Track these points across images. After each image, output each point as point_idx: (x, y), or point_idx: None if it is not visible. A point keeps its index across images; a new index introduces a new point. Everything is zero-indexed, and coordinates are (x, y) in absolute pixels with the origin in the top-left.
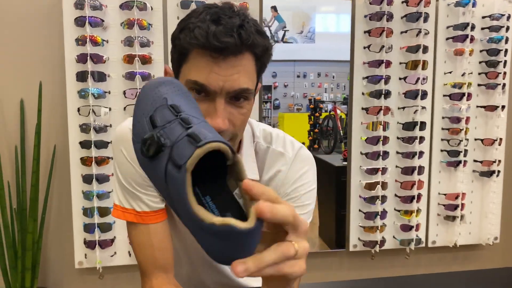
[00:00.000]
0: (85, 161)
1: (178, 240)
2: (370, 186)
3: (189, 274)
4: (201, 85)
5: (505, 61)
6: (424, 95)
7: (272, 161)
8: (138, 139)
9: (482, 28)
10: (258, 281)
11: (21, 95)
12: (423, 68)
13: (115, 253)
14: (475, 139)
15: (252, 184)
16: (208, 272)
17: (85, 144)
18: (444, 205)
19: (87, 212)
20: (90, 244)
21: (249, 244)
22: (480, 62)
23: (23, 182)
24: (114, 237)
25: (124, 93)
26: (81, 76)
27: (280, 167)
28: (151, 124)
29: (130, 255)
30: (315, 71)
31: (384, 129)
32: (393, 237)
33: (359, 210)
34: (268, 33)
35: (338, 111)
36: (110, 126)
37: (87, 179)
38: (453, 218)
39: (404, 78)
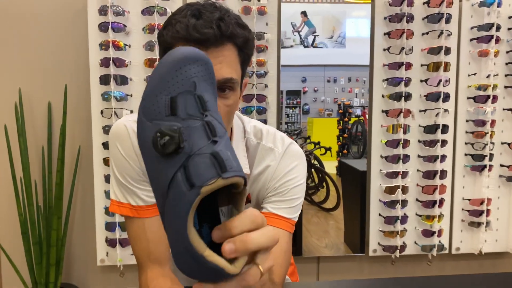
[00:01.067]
0: (107, 162)
1: None
2: (390, 190)
3: None
4: None
5: None
6: (446, 97)
7: (262, 157)
8: (150, 118)
9: (509, 29)
10: None
11: (49, 97)
12: (446, 70)
13: None
14: (502, 143)
15: (222, 236)
16: None
17: (107, 145)
18: (468, 210)
19: (109, 211)
20: (111, 242)
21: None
22: (506, 64)
23: (49, 181)
24: None
25: None
26: (104, 80)
27: (269, 162)
28: (170, 108)
29: None
30: (345, 76)
31: (404, 132)
32: (414, 242)
33: (379, 215)
34: (298, 39)
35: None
36: None
37: (109, 179)
38: (478, 224)
39: (426, 80)
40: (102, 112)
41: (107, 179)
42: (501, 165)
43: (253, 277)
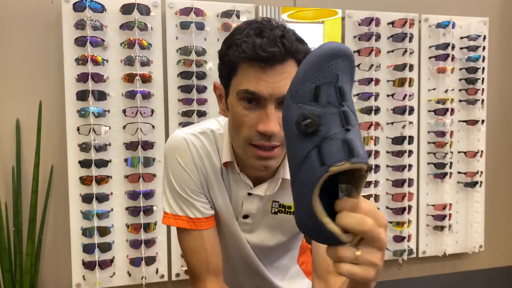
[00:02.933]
0: (85, 180)
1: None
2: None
3: (231, 280)
4: (252, 92)
5: (483, 78)
6: (411, 110)
7: None
8: (295, 101)
9: (461, 48)
10: (296, 282)
11: (17, 114)
12: (410, 85)
13: (114, 273)
14: (459, 152)
15: (342, 207)
16: (250, 277)
17: (85, 163)
18: (432, 215)
19: (87, 232)
20: (89, 265)
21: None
22: (460, 79)
23: (19, 203)
24: (113, 257)
25: (124, 111)
26: (81, 95)
27: None
28: (314, 95)
29: (130, 275)
30: None
31: (375, 144)
32: (386, 248)
33: None
34: None
35: None
36: (110, 144)
37: (87, 198)
38: (441, 228)
39: (392, 95)
40: (78, 129)
41: (84, 198)
42: (459, 172)
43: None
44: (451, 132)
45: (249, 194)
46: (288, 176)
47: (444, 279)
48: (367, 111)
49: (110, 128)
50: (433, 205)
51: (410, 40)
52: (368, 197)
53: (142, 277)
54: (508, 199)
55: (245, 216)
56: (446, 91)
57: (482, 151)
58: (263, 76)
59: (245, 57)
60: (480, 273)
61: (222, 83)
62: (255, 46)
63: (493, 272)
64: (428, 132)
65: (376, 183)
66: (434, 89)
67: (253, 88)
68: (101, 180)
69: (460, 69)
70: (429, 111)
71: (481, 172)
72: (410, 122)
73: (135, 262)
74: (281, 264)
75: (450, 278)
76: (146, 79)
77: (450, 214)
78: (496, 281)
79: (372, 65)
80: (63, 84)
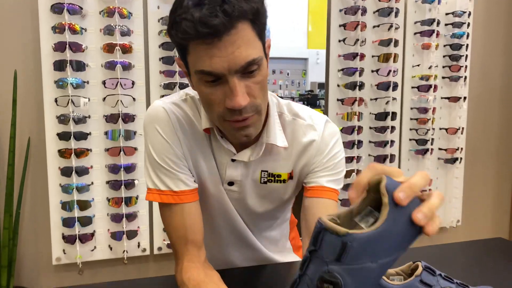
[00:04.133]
0: (64, 153)
1: (206, 223)
2: (346, 174)
3: (220, 254)
4: (208, 72)
5: (466, 55)
6: (395, 86)
7: (303, 133)
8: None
9: (446, 24)
10: (288, 256)
11: None
12: (394, 61)
13: (95, 247)
14: (440, 128)
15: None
16: (239, 250)
17: (63, 136)
18: None
19: (66, 206)
20: (69, 239)
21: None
22: (444, 56)
23: None
24: (94, 231)
25: (104, 83)
26: (59, 65)
27: (312, 138)
28: None
29: (111, 249)
30: (269, 68)
31: (358, 119)
32: None
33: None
34: None
35: None
36: (89, 117)
37: (66, 171)
38: None
39: (377, 71)
40: (56, 100)
41: (63, 172)
42: (440, 149)
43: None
44: (434, 109)
45: (233, 160)
46: (272, 140)
47: (423, 251)
48: (351, 86)
49: (89, 100)
50: None
51: (396, 15)
52: (350, 172)
53: (124, 251)
54: (486, 176)
55: (230, 183)
56: (430, 68)
57: (463, 128)
58: (215, 51)
59: (189, 38)
60: (458, 245)
61: (180, 59)
62: (195, 22)
63: (471, 244)
64: (411, 108)
65: (359, 159)
66: (418, 65)
67: (208, 67)
68: (80, 153)
69: (445, 45)
70: (412, 87)
71: (461, 148)
72: (394, 98)
73: (116, 236)
74: (272, 236)
75: (429, 250)
76: (126, 49)
77: (429, 190)
78: (473, 252)
79: (357, 40)
80: (39, 54)
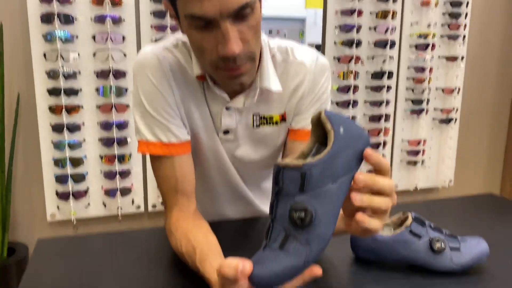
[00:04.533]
0: (54, 110)
1: (200, 176)
2: None
3: (213, 208)
4: (199, 17)
5: (466, 13)
6: (392, 44)
7: (295, 72)
8: None
9: None
10: None
11: None
12: (392, 17)
13: (89, 204)
14: (436, 88)
15: (370, 154)
16: (232, 203)
17: (53, 91)
18: (407, 151)
19: (59, 163)
20: (63, 196)
21: None
22: (443, 14)
23: None
24: (88, 187)
25: (94, 37)
26: (46, 18)
27: (303, 77)
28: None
29: (105, 206)
30: (266, 28)
31: (354, 78)
32: None
33: None
34: None
35: None
36: (79, 72)
37: (57, 128)
38: (415, 163)
39: (374, 28)
40: (45, 54)
41: (54, 128)
42: (435, 109)
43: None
44: (431, 68)
45: (227, 108)
46: (266, 84)
47: (412, 208)
48: (348, 43)
49: (79, 54)
50: (408, 141)
51: None
52: None
53: (118, 207)
54: (479, 136)
55: (226, 132)
56: (428, 26)
57: (459, 88)
58: None
59: None
60: (448, 201)
61: (170, 3)
62: None
63: (461, 200)
64: (408, 67)
65: (353, 118)
66: (416, 23)
67: (198, 10)
68: (71, 110)
69: (445, 3)
70: (410, 46)
71: (457, 109)
72: (391, 57)
73: (110, 193)
74: (265, 188)
75: (418, 206)
76: (116, 2)
77: (423, 150)
78: (463, 207)
79: None
80: (26, 5)
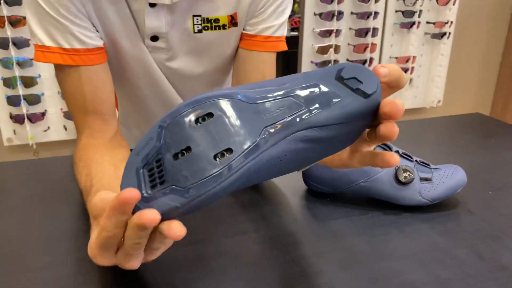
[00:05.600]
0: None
1: (130, 95)
2: (323, 50)
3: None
4: None
5: None
6: None
7: None
8: None
9: None
10: None
11: None
12: None
13: (48, 128)
14: None
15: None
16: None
17: None
18: None
19: (8, 82)
20: (18, 119)
21: None
22: None
23: None
24: (45, 110)
25: None
26: None
27: None
28: None
29: (66, 129)
30: None
31: None
32: None
33: None
34: None
35: None
36: None
37: (2, 43)
38: None
39: None
40: None
41: (1, 44)
42: (427, 22)
43: None
44: None
45: (151, 5)
46: None
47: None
48: None
49: None
50: (396, 58)
51: None
52: (327, 48)
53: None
54: (473, 53)
55: (154, 38)
56: None
57: None
58: None
59: None
60: (430, 122)
61: None
62: None
63: (445, 120)
64: None
65: (338, 32)
66: None
67: None
68: (16, 22)
69: None
70: None
71: (451, 22)
72: None
73: (70, 116)
74: None
75: (399, 127)
76: None
77: (412, 68)
78: (446, 128)
79: None
80: None
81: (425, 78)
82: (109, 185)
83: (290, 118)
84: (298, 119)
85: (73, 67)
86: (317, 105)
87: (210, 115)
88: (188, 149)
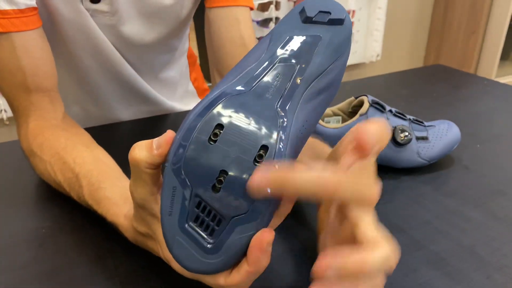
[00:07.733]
0: None
1: (71, 67)
2: (263, 7)
3: (95, 114)
4: None
5: None
6: None
7: None
8: None
9: None
10: (191, 103)
11: None
12: None
13: None
14: None
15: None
16: (126, 102)
17: None
18: None
19: None
20: None
21: None
22: None
23: None
24: None
25: None
26: None
27: None
28: None
29: None
30: None
31: None
32: None
33: None
34: None
35: None
36: None
37: None
38: None
39: None
40: None
41: None
42: None
43: None
44: None
45: None
46: None
47: (353, 84)
48: None
49: None
50: None
51: None
52: (268, 5)
53: (1, 110)
54: (410, 5)
55: (94, 0)
56: None
57: None
58: None
59: None
60: (393, 76)
61: None
62: None
63: (408, 74)
64: None
65: None
66: None
67: None
68: None
69: None
70: None
71: None
72: None
73: None
74: (168, 78)
75: (360, 83)
76: None
77: (352, 22)
78: (412, 82)
79: None
80: None
81: (364, 33)
82: (97, 170)
83: (291, 83)
84: (298, 80)
85: (3, 34)
86: (306, 56)
87: (219, 126)
88: (223, 173)
